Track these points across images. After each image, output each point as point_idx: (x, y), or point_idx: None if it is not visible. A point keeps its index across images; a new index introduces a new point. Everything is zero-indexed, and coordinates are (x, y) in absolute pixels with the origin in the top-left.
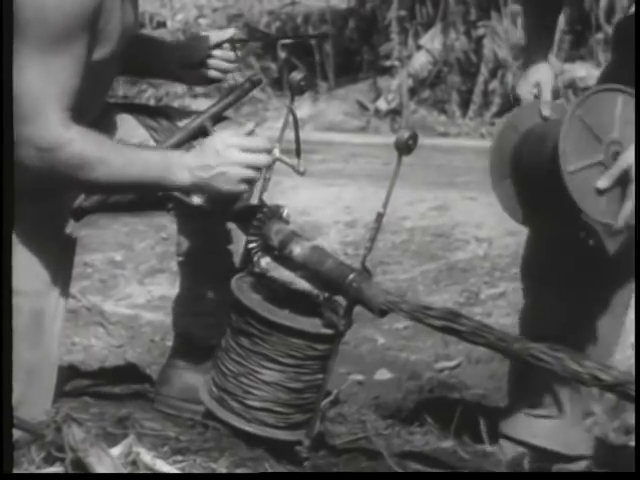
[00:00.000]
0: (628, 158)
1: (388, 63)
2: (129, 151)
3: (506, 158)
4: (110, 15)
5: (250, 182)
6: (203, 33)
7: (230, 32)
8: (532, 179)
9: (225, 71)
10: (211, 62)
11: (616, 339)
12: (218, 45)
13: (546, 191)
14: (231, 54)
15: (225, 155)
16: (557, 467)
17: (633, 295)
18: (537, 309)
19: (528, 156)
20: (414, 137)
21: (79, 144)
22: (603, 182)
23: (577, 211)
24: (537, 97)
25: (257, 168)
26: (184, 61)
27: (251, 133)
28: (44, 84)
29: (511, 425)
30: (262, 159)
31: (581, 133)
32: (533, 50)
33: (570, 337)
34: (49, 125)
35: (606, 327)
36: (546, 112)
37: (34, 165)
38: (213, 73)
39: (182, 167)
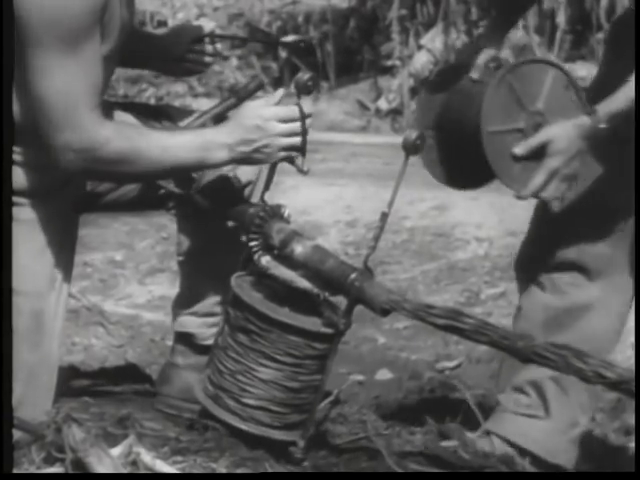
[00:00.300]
0: (550, 132)
1: (389, 63)
2: (165, 139)
3: (433, 108)
4: (113, 10)
5: (294, 149)
6: (183, 25)
7: (210, 26)
8: (455, 135)
9: (204, 64)
10: (190, 56)
11: (613, 338)
12: (198, 39)
13: (466, 149)
14: (210, 48)
15: (267, 128)
16: None
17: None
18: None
19: (456, 111)
20: (421, 137)
21: (117, 141)
22: (520, 149)
23: (490, 172)
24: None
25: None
26: (164, 54)
27: (281, 101)
28: (70, 87)
29: (498, 421)
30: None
31: (507, 97)
32: (488, 36)
33: (559, 336)
34: (84, 127)
35: (600, 327)
36: (474, 74)
37: (76, 168)
38: (192, 66)
39: (220, 146)
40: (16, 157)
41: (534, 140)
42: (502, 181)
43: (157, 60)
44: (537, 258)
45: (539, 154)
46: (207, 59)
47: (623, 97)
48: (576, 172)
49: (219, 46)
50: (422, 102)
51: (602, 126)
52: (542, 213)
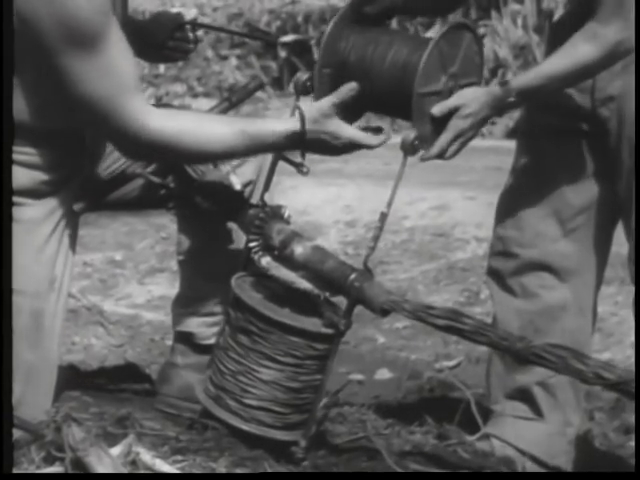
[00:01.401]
0: (464, 95)
1: None
2: (244, 139)
3: (337, 49)
4: (114, 4)
5: None
6: (165, 12)
7: (192, 13)
8: (369, 81)
9: (184, 52)
10: (171, 43)
11: (587, 339)
12: (179, 27)
13: (375, 95)
14: (191, 36)
15: (342, 148)
16: None
17: (597, 294)
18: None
19: (371, 58)
20: (420, 138)
21: (176, 139)
22: (437, 110)
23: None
24: None
25: None
26: (145, 40)
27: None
28: (107, 84)
29: (497, 424)
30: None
31: (436, 60)
32: None
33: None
34: (131, 118)
35: (575, 327)
36: (370, 10)
37: (133, 155)
38: (172, 53)
39: (298, 146)
40: (15, 157)
41: (450, 102)
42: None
43: (137, 45)
44: (504, 261)
45: (449, 117)
46: (187, 47)
47: (534, 74)
48: (474, 136)
49: (200, 34)
50: (333, 36)
51: (511, 98)
52: (504, 215)
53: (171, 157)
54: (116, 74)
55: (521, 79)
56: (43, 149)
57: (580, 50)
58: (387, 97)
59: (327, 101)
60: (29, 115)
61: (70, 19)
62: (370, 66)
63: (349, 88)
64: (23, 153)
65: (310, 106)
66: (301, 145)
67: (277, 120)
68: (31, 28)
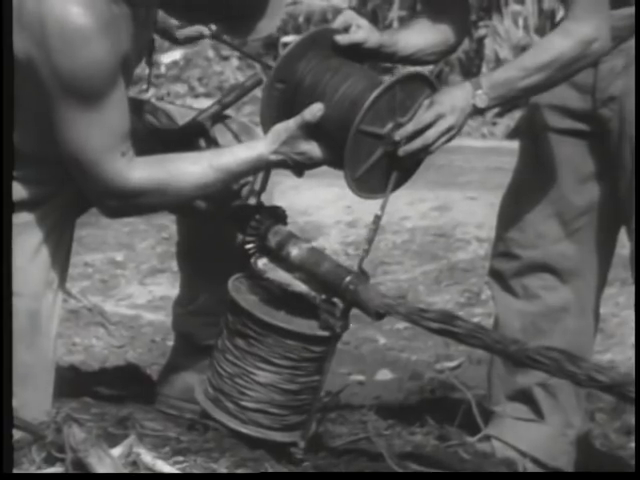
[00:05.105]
0: (441, 93)
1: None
2: (214, 174)
3: (295, 67)
4: (128, 61)
5: None
6: None
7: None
8: (312, 102)
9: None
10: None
11: (591, 337)
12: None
13: (320, 127)
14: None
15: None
16: None
17: (602, 296)
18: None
19: (325, 86)
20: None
21: (154, 190)
22: (402, 133)
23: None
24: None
25: None
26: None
27: None
28: (97, 140)
29: (498, 426)
30: None
31: (387, 103)
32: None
33: (538, 342)
34: (115, 178)
35: (577, 328)
36: (340, 39)
37: (113, 210)
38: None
39: (271, 168)
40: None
41: (410, 126)
42: (346, 178)
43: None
44: (506, 262)
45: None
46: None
47: (508, 65)
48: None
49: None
50: (293, 53)
51: (479, 92)
52: (507, 216)
53: (153, 208)
54: (107, 133)
55: (492, 75)
56: (35, 167)
57: (554, 43)
58: (330, 129)
59: (295, 121)
60: (24, 141)
61: (75, 77)
62: (322, 94)
63: (317, 108)
64: (17, 168)
65: (279, 127)
66: (274, 167)
67: (246, 147)
68: (34, 73)
